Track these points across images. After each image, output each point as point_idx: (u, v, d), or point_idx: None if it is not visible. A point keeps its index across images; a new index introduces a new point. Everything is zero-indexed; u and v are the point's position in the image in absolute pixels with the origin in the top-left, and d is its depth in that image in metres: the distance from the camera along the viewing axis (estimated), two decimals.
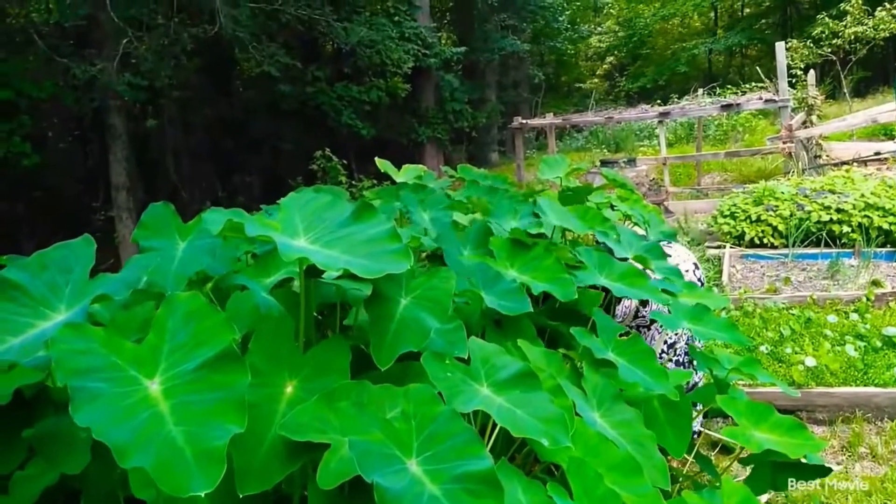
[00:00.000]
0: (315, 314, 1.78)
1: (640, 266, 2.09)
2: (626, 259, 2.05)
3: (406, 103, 13.35)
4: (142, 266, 1.34)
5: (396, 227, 1.31)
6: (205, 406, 0.91)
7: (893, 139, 10.17)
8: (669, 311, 1.90)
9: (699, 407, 2.29)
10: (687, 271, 2.56)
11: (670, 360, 2.54)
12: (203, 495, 0.80)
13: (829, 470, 1.82)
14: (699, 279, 2.62)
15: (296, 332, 1.36)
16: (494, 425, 1.37)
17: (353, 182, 9.41)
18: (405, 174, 3.41)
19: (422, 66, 12.28)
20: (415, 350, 1.30)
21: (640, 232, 2.95)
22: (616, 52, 30.40)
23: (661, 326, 2.45)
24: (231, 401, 0.91)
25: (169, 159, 10.23)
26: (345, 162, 9.77)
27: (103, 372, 0.94)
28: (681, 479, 2.07)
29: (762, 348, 3.62)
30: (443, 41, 16.63)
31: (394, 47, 10.27)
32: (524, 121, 10.44)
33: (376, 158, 3.59)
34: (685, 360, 2.61)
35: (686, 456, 2.08)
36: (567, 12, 23.10)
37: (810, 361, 3.23)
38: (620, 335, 1.70)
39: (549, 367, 1.51)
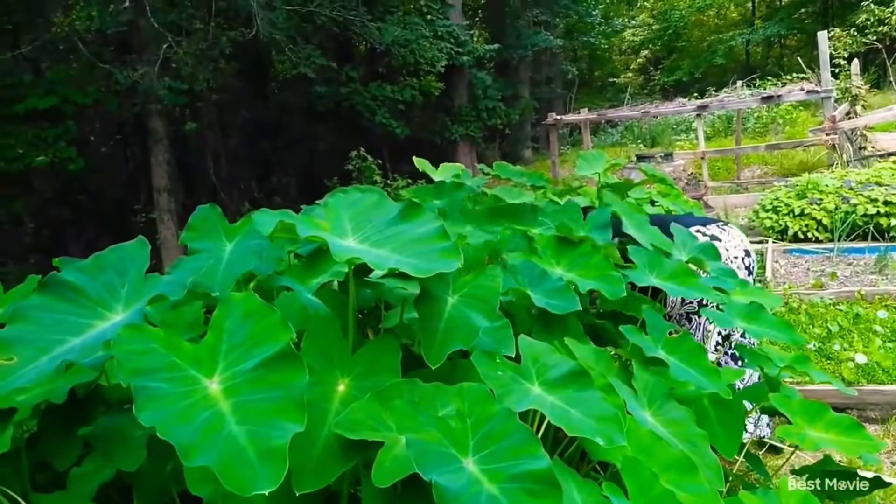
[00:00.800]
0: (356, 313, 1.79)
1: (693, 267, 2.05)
2: (680, 260, 2.02)
3: (439, 102, 13.36)
4: (192, 268, 1.36)
5: (445, 226, 1.30)
6: (265, 405, 0.92)
7: None
8: (722, 309, 1.86)
9: (749, 406, 2.25)
10: (737, 257, 2.50)
11: (725, 354, 2.48)
12: (266, 493, 0.81)
13: (888, 484, 1.76)
14: (749, 267, 2.55)
15: (344, 331, 1.37)
16: (541, 422, 1.36)
17: (388, 182, 9.45)
18: (442, 173, 3.41)
19: (455, 65, 12.27)
20: (464, 348, 1.30)
21: None
22: (651, 46, 29.98)
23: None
24: (290, 399, 0.92)
25: (208, 161, 10.41)
26: (379, 161, 9.82)
27: (164, 372, 0.96)
28: (731, 479, 2.03)
29: (810, 345, 3.53)
30: (475, 39, 16.60)
31: (427, 46, 10.28)
32: (558, 117, 10.36)
33: (414, 157, 3.60)
34: (739, 355, 2.55)
35: (735, 456, 2.04)
36: (600, 6, 22.90)
37: (861, 358, 3.14)
38: (670, 333, 1.67)
39: (599, 366, 1.50)
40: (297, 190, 12.66)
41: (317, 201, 3.19)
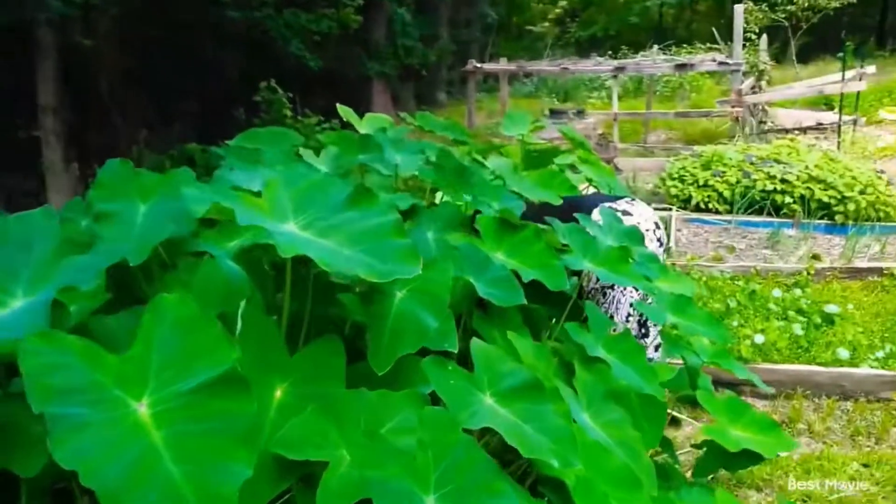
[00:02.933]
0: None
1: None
2: (609, 245, 2.01)
3: (356, 35, 12.80)
4: (109, 252, 1.19)
5: (401, 220, 1.20)
6: (206, 440, 0.81)
7: (833, 110, 10.48)
8: (651, 303, 1.88)
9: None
10: (647, 230, 2.52)
11: (636, 322, 2.52)
12: None
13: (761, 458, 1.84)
14: (660, 239, 2.59)
15: (279, 327, 1.26)
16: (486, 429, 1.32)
17: (299, 118, 9.03)
18: (368, 124, 3.26)
19: None
20: (412, 352, 1.22)
21: None
22: None
23: (623, 290, 2.41)
24: (237, 435, 0.81)
25: (101, 80, 9.55)
26: (290, 95, 9.34)
27: (84, 393, 0.83)
28: None
29: None
30: None
31: None
32: (478, 64, 10.21)
33: (338, 105, 3.41)
34: (644, 320, 2.59)
35: None
36: None
37: (759, 338, 3.32)
38: (613, 330, 1.66)
39: (541, 364, 1.47)
40: (198, 116, 11.89)
41: (226, 142, 2.95)
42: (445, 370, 1.19)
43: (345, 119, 3.27)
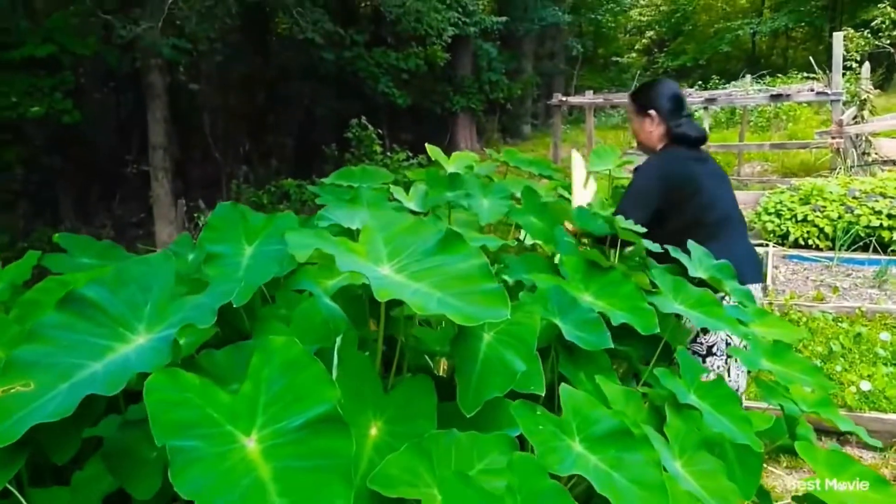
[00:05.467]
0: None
1: (713, 288, 2.00)
2: (698, 279, 1.97)
3: (442, 71, 13.14)
4: (220, 293, 1.28)
5: (488, 265, 1.24)
6: (309, 475, 0.86)
7: None
8: (746, 347, 1.82)
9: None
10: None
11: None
12: None
13: None
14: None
15: (374, 364, 1.31)
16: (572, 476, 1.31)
17: (388, 154, 9.30)
18: (455, 163, 3.33)
19: (461, 35, 12.03)
20: (500, 395, 1.24)
21: None
22: (657, 27, 29.68)
23: (726, 358, 2.36)
24: (338, 471, 0.86)
25: (204, 118, 10.19)
26: (379, 131, 9.65)
27: (200, 427, 0.90)
28: None
29: None
30: (482, 9, 16.28)
31: (439, 18, 10.04)
32: (563, 98, 10.23)
33: (427, 145, 3.51)
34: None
35: None
36: None
37: (865, 385, 3.13)
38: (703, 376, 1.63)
39: (630, 409, 1.45)
40: (293, 152, 12.46)
41: (321, 179, 3.08)
42: (534, 414, 1.20)
43: (432, 157, 3.36)
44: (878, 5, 13.56)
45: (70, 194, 8.80)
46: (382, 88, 10.54)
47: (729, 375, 2.40)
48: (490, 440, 1.17)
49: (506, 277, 1.90)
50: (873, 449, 2.90)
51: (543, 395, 1.40)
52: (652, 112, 2.53)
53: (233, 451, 0.89)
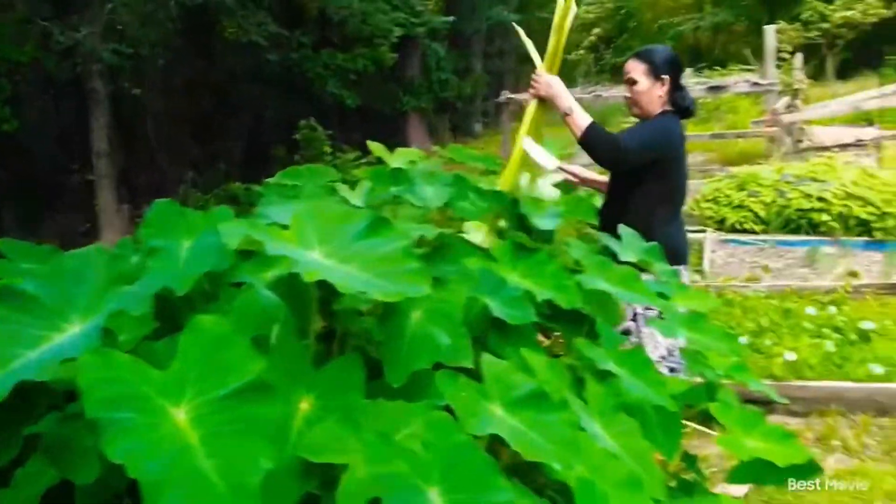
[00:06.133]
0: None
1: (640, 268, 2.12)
2: (628, 262, 2.08)
3: (391, 72, 13.19)
4: (153, 281, 1.34)
5: (411, 246, 1.32)
6: (234, 439, 0.93)
7: (873, 125, 10.31)
8: (664, 318, 1.94)
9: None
10: None
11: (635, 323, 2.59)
12: None
13: (816, 470, 1.88)
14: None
15: (306, 345, 1.38)
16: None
17: (337, 154, 9.32)
18: (398, 158, 3.40)
19: (409, 35, 12.12)
20: (427, 367, 1.33)
21: None
22: (603, 24, 30.20)
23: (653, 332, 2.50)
24: (261, 434, 0.93)
25: (149, 124, 10.04)
26: (329, 132, 9.66)
27: (131, 402, 0.95)
28: (666, 478, 2.14)
29: (742, 339, 3.72)
30: (430, 9, 16.37)
31: (384, 18, 10.10)
32: (511, 95, 10.38)
33: (368, 142, 3.57)
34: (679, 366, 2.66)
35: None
36: None
37: (790, 356, 3.32)
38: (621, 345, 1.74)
39: (554, 378, 1.55)
40: (241, 156, 12.35)
41: (266, 179, 3.13)
42: (457, 382, 1.28)
43: (375, 154, 3.42)
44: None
45: (12, 206, 8.58)
46: (331, 89, 10.55)
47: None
48: (417, 409, 1.25)
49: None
50: (798, 415, 3.09)
51: (473, 368, 1.49)
52: (665, 77, 2.59)
53: (163, 421, 0.95)
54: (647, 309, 2.51)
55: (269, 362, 1.28)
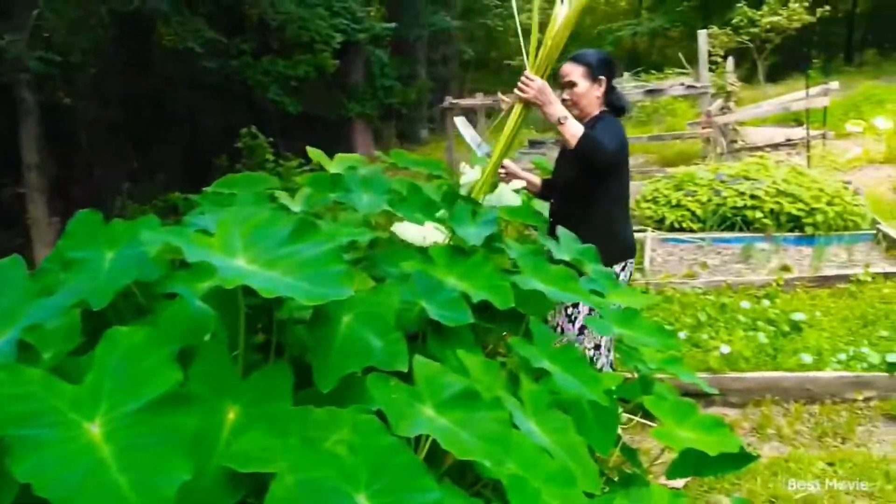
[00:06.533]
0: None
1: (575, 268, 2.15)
2: (563, 261, 2.11)
3: (334, 79, 13.10)
4: (72, 291, 1.29)
5: (339, 249, 1.31)
6: (150, 451, 0.90)
7: (802, 125, 10.74)
8: (600, 315, 1.98)
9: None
10: None
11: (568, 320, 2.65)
12: None
13: (750, 458, 1.93)
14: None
15: (234, 353, 1.35)
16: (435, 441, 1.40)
17: (280, 162, 9.20)
18: (338, 164, 3.37)
19: (351, 42, 12.06)
20: (358, 371, 1.32)
21: None
22: (544, 30, 30.64)
23: (588, 331, 2.55)
24: (178, 445, 0.90)
25: (82, 134, 9.72)
26: (271, 140, 9.52)
27: (43, 417, 0.92)
28: (607, 472, 2.17)
29: (681, 335, 3.81)
30: (372, 15, 16.34)
31: (323, 24, 10.01)
32: (454, 101, 10.44)
33: (308, 148, 3.53)
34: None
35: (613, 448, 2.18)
36: None
37: (725, 349, 3.42)
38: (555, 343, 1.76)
39: (488, 378, 1.56)
40: (182, 165, 12.07)
41: (204, 188, 3.06)
42: (388, 386, 1.28)
43: (314, 160, 3.39)
44: (737, 5, 14.67)
45: None
46: (272, 96, 10.41)
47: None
48: (346, 413, 1.23)
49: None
50: (735, 406, 3.18)
51: (408, 371, 1.48)
52: (602, 78, 2.65)
53: (75, 436, 0.91)
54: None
55: (195, 372, 1.25)
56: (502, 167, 2.81)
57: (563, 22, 2.53)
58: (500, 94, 2.59)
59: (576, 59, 2.69)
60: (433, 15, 17.08)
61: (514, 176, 2.85)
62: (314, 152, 3.49)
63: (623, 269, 2.69)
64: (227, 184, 2.82)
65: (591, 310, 2.61)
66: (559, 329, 2.63)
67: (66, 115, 10.04)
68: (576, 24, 2.58)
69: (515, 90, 2.46)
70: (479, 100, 11.43)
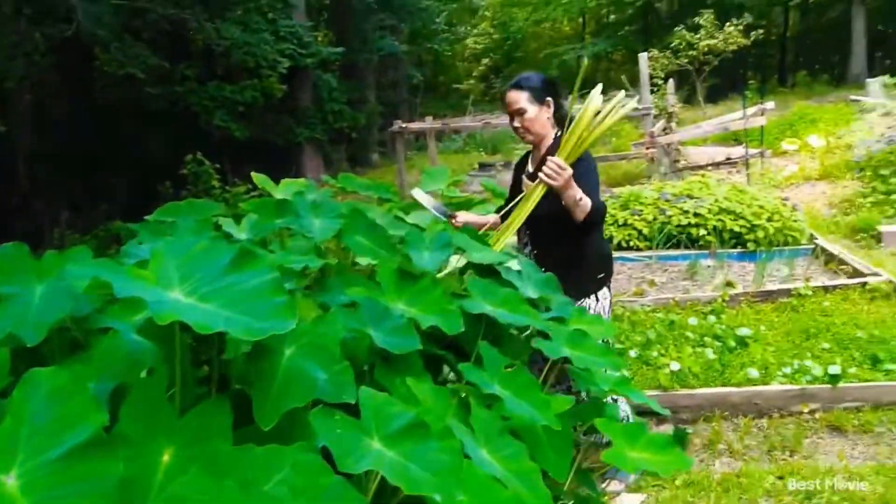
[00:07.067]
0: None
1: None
2: (532, 299, 2.10)
3: (283, 103, 13.00)
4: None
5: (280, 279, 1.26)
6: (70, 501, 0.84)
7: (741, 144, 11.11)
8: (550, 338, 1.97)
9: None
10: None
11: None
12: None
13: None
14: None
15: (171, 390, 1.29)
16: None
17: (227, 188, 9.03)
18: (283, 189, 3.31)
19: (298, 66, 12.00)
20: (300, 406, 1.27)
21: None
22: (491, 55, 31.21)
23: None
24: (102, 494, 0.84)
25: (20, 164, 9.37)
26: (217, 166, 9.35)
27: None
28: (563, 497, 2.15)
29: (631, 353, 3.85)
30: (320, 40, 16.34)
31: (268, 49, 9.94)
32: (403, 125, 10.47)
33: (252, 173, 3.46)
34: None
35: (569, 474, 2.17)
36: (444, 13, 23.44)
37: (675, 366, 3.46)
38: (506, 367, 1.74)
39: (438, 406, 1.52)
40: (126, 194, 11.76)
41: (146, 217, 2.96)
42: (332, 420, 1.23)
43: (259, 186, 3.32)
44: (675, 29, 15.20)
45: None
46: (218, 122, 10.25)
47: None
48: (288, 452, 1.18)
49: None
50: (686, 422, 3.21)
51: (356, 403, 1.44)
52: (549, 99, 2.64)
53: None
54: None
55: (127, 412, 1.18)
56: (456, 220, 2.80)
57: (598, 119, 2.47)
58: (524, 178, 2.56)
59: (518, 86, 2.66)
60: (381, 40, 17.19)
61: (475, 225, 2.82)
62: (259, 178, 3.43)
63: (609, 287, 2.81)
64: (169, 211, 2.73)
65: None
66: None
67: (2, 144, 9.69)
68: (612, 126, 2.56)
69: (542, 175, 2.37)
70: (428, 123, 11.50)
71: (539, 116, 2.63)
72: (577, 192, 2.41)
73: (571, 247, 2.64)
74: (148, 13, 8.23)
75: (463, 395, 1.72)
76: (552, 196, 2.49)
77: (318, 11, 19.24)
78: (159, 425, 1.18)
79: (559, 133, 2.66)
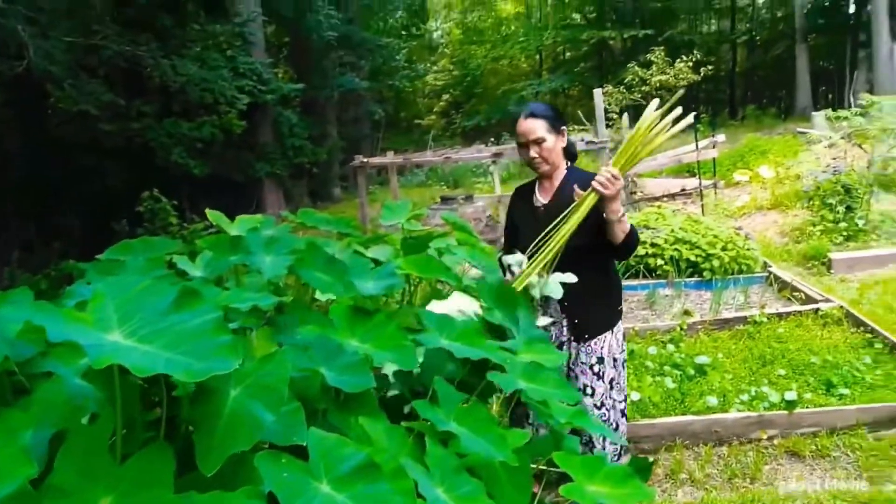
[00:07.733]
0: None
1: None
2: (469, 322, 2.09)
3: (243, 139, 12.91)
4: None
5: (222, 318, 1.23)
6: None
7: (695, 176, 11.40)
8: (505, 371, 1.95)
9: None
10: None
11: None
12: None
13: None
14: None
15: (112, 437, 1.24)
16: None
17: (185, 225, 8.88)
18: (239, 226, 3.27)
19: (258, 103, 11.98)
20: (247, 449, 1.22)
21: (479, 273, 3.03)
22: (451, 91, 31.66)
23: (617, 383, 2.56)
24: None
25: None
26: (175, 203, 9.19)
27: None
28: None
29: None
30: (280, 76, 16.36)
31: (227, 86, 9.90)
32: (365, 159, 10.47)
33: (207, 210, 3.41)
34: None
35: None
36: (404, 50, 23.71)
37: (636, 396, 3.47)
38: (463, 402, 1.72)
39: (392, 445, 1.49)
40: (80, 231, 11.47)
41: (98, 256, 2.88)
42: (279, 463, 1.19)
43: (214, 223, 3.27)
44: (629, 66, 15.65)
45: None
46: (176, 159, 10.11)
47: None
48: (234, 497, 1.14)
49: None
50: (648, 452, 3.21)
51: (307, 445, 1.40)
52: (564, 128, 2.60)
53: None
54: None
55: (63, 461, 1.13)
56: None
57: (657, 127, 2.41)
58: (575, 187, 2.47)
59: (533, 116, 2.58)
60: (342, 76, 17.29)
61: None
62: (213, 214, 3.37)
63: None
64: (123, 250, 2.65)
65: (615, 360, 2.61)
66: (588, 389, 2.58)
67: None
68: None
69: (596, 184, 2.32)
70: (389, 158, 11.54)
71: (556, 146, 2.58)
72: (621, 208, 2.40)
73: (598, 277, 2.61)
74: (103, 50, 8.13)
75: (417, 432, 1.69)
76: (582, 224, 2.42)
77: (277, 48, 19.30)
78: (97, 474, 1.13)
79: (569, 164, 2.67)
